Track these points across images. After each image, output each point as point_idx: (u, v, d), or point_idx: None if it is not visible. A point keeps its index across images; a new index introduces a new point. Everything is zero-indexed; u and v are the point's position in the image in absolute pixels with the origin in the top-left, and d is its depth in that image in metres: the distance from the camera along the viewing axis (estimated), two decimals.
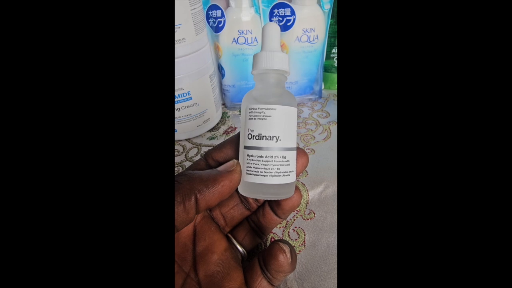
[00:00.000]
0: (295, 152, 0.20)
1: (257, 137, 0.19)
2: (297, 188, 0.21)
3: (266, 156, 0.19)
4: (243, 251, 0.23)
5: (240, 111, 0.54)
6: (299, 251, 0.30)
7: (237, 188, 0.20)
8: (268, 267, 0.20)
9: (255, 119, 0.19)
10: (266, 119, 0.19)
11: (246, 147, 0.19)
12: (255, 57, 0.21)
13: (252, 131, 0.19)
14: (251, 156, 0.19)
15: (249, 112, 0.19)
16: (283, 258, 0.19)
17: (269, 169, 0.19)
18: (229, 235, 0.24)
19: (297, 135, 0.46)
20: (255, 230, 0.24)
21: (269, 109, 0.19)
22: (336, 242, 0.29)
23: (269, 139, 0.19)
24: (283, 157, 0.19)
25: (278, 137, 0.19)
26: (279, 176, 0.19)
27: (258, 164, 0.19)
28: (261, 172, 0.19)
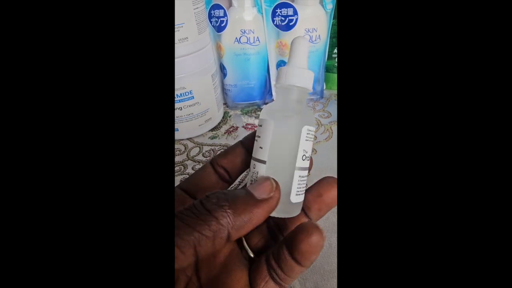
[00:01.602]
0: None
1: (308, 159, 0.20)
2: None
3: (305, 176, 0.20)
4: (254, 256, 0.21)
5: (242, 111, 0.54)
6: None
7: None
8: (292, 252, 0.17)
9: (310, 141, 0.20)
10: (311, 140, 0.20)
11: (300, 168, 0.19)
12: (281, 70, 0.21)
13: (306, 152, 0.20)
14: (302, 177, 0.20)
15: (307, 134, 0.20)
16: (317, 238, 0.16)
17: (301, 188, 0.20)
18: (243, 237, 0.21)
19: None
20: (274, 231, 0.22)
21: (310, 130, 0.20)
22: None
23: (304, 159, 0.20)
24: (306, 176, 0.20)
25: (308, 157, 0.20)
26: (303, 194, 0.20)
27: (302, 184, 0.20)
28: (303, 192, 0.20)
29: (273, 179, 0.18)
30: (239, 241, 0.21)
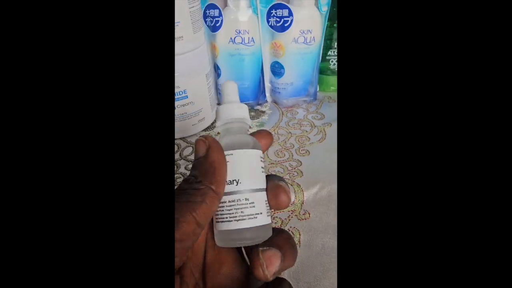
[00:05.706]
0: (263, 193, 0.20)
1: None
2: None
3: (228, 201, 0.19)
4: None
5: None
6: None
7: None
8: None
9: None
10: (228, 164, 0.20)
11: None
12: (217, 110, 0.22)
13: None
14: (221, 203, 0.19)
15: None
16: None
17: (232, 213, 0.19)
18: (242, 248, 0.22)
19: (293, 136, 0.46)
20: None
21: (228, 155, 0.19)
22: (331, 242, 0.29)
23: (229, 183, 0.19)
24: (246, 199, 0.19)
25: (238, 180, 0.19)
26: (244, 219, 0.19)
27: (223, 211, 0.19)
28: (226, 218, 0.19)
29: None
30: (241, 253, 0.22)
